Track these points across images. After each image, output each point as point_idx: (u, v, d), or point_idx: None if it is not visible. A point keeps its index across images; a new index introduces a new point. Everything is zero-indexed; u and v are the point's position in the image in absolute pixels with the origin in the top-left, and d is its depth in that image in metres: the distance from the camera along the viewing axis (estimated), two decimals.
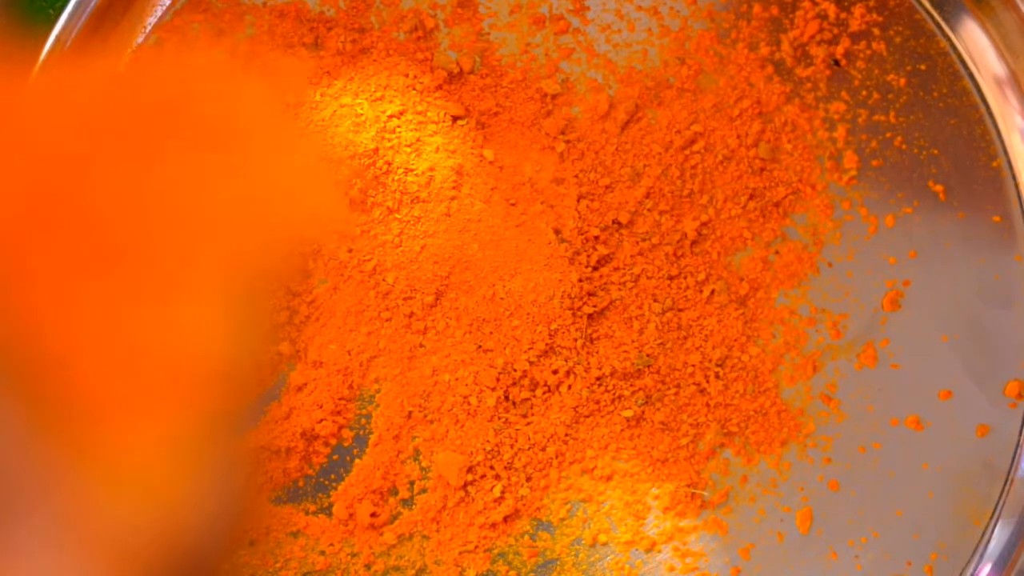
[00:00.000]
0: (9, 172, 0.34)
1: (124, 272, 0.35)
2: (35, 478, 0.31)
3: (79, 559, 0.32)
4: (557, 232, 0.55)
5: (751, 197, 0.55)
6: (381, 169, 0.54)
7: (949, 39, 0.56)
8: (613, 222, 0.55)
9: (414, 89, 0.55)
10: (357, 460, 0.55)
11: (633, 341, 0.55)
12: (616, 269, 0.55)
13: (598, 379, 0.54)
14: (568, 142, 0.56)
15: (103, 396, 0.33)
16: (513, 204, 0.55)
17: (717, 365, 0.55)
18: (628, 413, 0.54)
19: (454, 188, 0.55)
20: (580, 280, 0.54)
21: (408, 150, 0.55)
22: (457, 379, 0.54)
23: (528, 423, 0.54)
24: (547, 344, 0.54)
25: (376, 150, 0.54)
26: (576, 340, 0.54)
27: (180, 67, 0.52)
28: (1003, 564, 0.54)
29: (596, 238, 0.55)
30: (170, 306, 0.35)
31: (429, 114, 0.55)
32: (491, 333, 0.54)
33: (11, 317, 0.32)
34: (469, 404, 0.54)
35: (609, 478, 0.55)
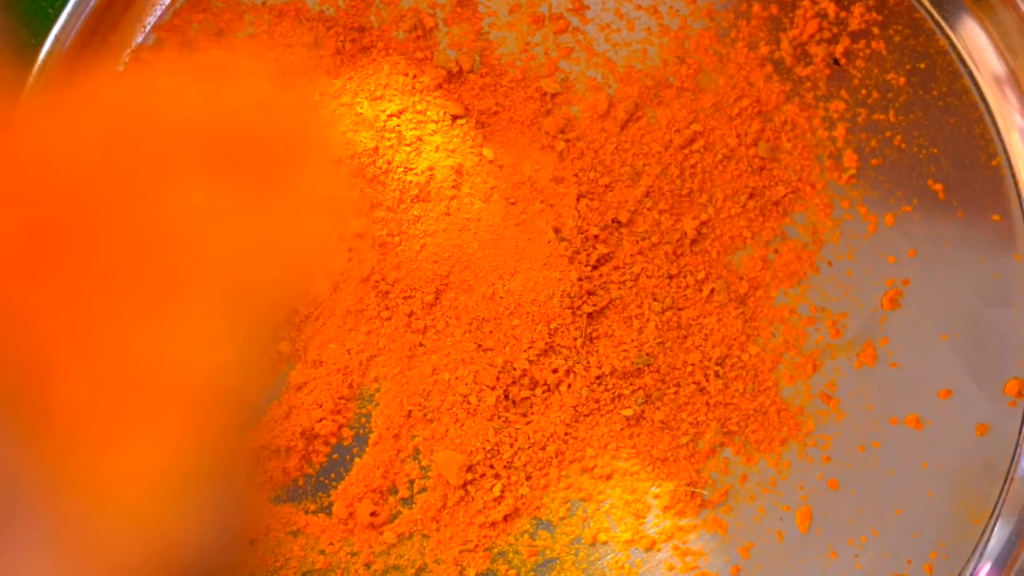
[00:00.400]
0: (8, 178, 0.34)
1: (125, 284, 0.34)
2: (31, 493, 0.31)
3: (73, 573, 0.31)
4: (557, 231, 0.55)
5: (751, 196, 0.56)
6: (381, 168, 0.54)
7: (948, 38, 0.56)
8: (613, 221, 0.55)
9: (413, 88, 0.55)
10: (357, 459, 0.55)
11: (633, 340, 0.55)
12: (616, 268, 0.55)
13: (598, 378, 0.54)
14: (568, 141, 0.56)
15: (101, 411, 0.33)
16: (513, 203, 0.55)
17: (717, 364, 0.55)
18: (628, 412, 0.54)
19: (454, 187, 0.55)
20: (580, 279, 0.54)
21: (408, 149, 0.55)
22: (457, 378, 0.54)
23: (528, 422, 0.54)
24: (547, 343, 0.54)
25: (376, 149, 0.54)
26: (576, 339, 0.54)
27: (182, 72, 0.51)
28: (1003, 563, 0.54)
29: (596, 237, 0.55)
30: (170, 322, 0.34)
31: (429, 113, 0.55)
32: (491, 332, 0.54)
33: (5, 327, 0.32)
34: (469, 403, 0.54)
35: (609, 477, 0.55)
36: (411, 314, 0.55)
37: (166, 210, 0.36)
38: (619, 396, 0.55)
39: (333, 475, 0.55)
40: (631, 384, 0.55)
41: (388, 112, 0.55)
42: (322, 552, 0.54)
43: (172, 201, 0.36)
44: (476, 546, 0.54)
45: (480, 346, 0.54)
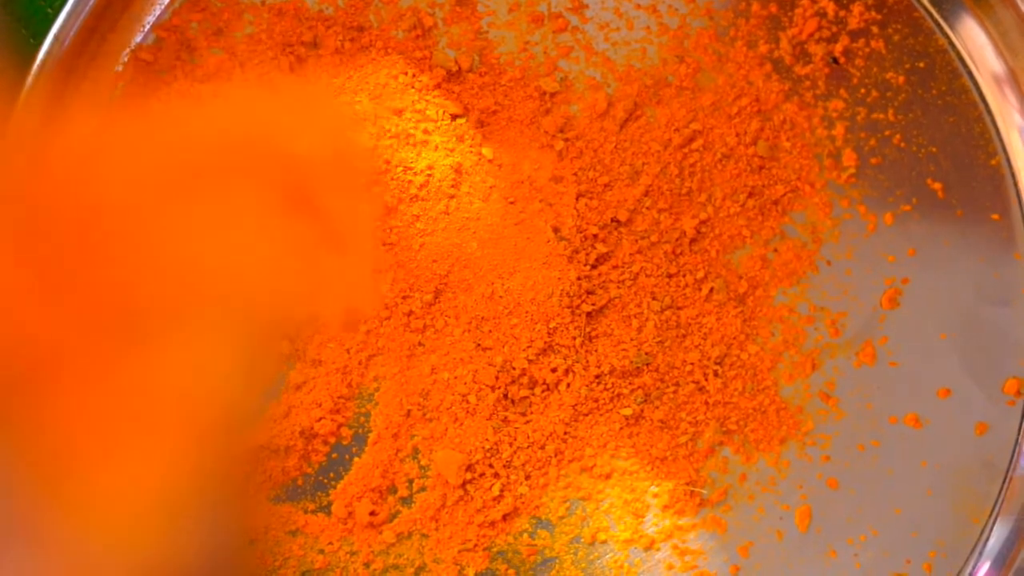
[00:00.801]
0: (7, 181, 0.34)
1: (123, 294, 0.34)
2: (26, 507, 0.31)
3: None
4: (556, 230, 0.55)
5: (750, 195, 0.55)
6: (380, 168, 0.54)
7: (948, 37, 0.56)
8: (612, 220, 0.55)
9: (413, 87, 0.55)
10: (356, 458, 0.55)
11: (632, 339, 0.55)
12: (615, 267, 0.55)
13: (597, 377, 0.54)
14: (567, 140, 0.56)
15: (98, 422, 0.32)
16: (512, 202, 0.55)
17: (716, 363, 0.55)
18: (627, 411, 0.54)
19: (453, 186, 0.55)
20: (579, 278, 0.54)
21: (407, 148, 0.55)
22: (456, 377, 0.54)
23: (527, 421, 0.54)
24: (546, 342, 0.54)
25: (375, 148, 0.54)
26: (575, 338, 0.54)
27: (191, 83, 0.51)
28: (1002, 562, 0.54)
29: (595, 236, 0.55)
30: (168, 334, 0.34)
31: (428, 112, 0.55)
32: (490, 331, 0.54)
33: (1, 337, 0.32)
34: (468, 402, 0.54)
35: (608, 476, 0.55)
36: (410, 313, 0.55)
37: (167, 222, 0.36)
38: (618, 395, 0.55)
39: (332, 474, 0.55)
40: (630, 383, 0.55)
41: (387, 111, 0.55)
42: (321, 551, 0.54)
43: (175, 214, 0.36)
44: (475, 545, 0.54)
45: (479, 345, 0.54)
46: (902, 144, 0.56)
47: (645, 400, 0.55)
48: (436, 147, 0.55)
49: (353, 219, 0.48)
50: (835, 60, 0.56)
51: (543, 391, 0.55)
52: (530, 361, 0.54)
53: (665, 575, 0.54)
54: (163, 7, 0.57)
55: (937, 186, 0.55)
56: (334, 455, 0.55)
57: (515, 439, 0.54)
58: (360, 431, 0.55)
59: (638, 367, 0.55)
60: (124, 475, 0.32)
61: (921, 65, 0.56)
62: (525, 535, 0.54)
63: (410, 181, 0.54)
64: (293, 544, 0.54)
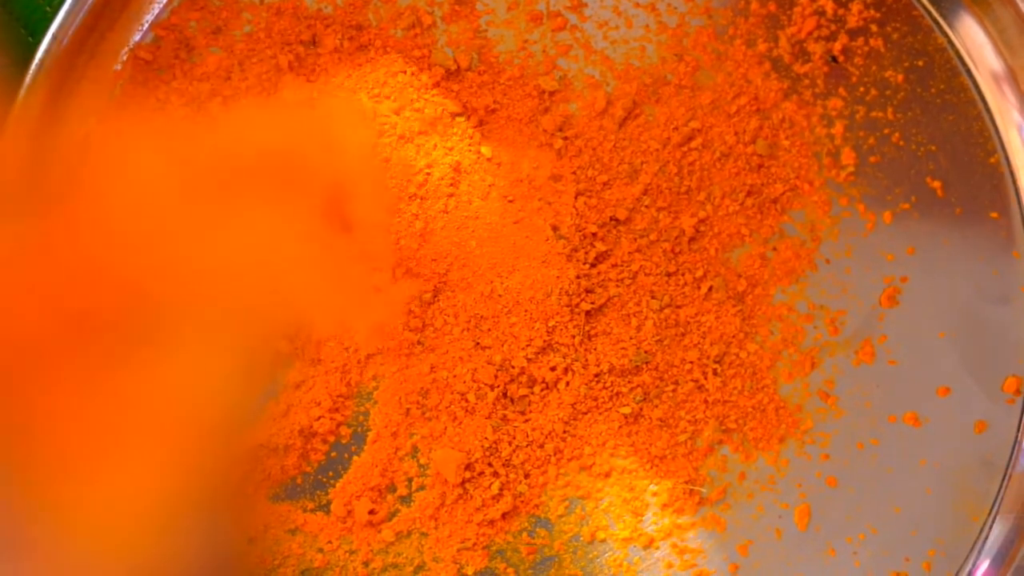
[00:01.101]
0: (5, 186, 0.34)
1: (124, 303, 0.34)
2: (22, 520, 0.31)
3: None
4: (555, 229, 0.55)
5: (749, 194, 0.55)
6: (379, 167, 0.54)
7: (947, 35, 0.56)
8: (611, 219, 0.55)
9: (411, 86, 0.55)
10: (355, 457, 0.55)
11: (631, 338, 0.55)
12: (614, 266, 0.55)
13: (596, 376, 0.54)
14: (566, 139, 0.56)
15: (93, 431, 0.32)
16: (511, 201, 0.55)
17: (715, 362, 0.55)
18: (626, 410, 0.54)
19: (452, 185, 0.55)
20: (578, 277, 0.54)
21: (406, 147, 0.55)
22: (455, 376, 0.54)
23: (526, 420, 0.54)
24: (545, 341, 0.54)
25: (374, 147, 0.54)
26: (574, 337, 0.54)
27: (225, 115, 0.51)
28: (1001, 560, 0.54)
29: (594, 235, 0.55)
30: (167, 346, 0.34)
31: (427, 111, 0.55)
32: (489, 330, 0.54)
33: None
34: (467, 401, 0.54)
35: (607, 475, 0.55)
36: (409, 312, 0.54)
37: (167, 224, 0.36)
38: (617, 394, 0.55)
39: (331, 473, 0.55)
40: (629, 382, 0.55)
41: (386, 110, 0.55)
42: (320, 550, 0.54)
43: (174, 216, 0.36)
44: (474, 544, 0.54)
45: (478, 344, 0.54)
46: (901, 142, 0.56)
47: (644, 399, 0.55)
48: (435, 146, 0.55)
49: (382, 232, 0.48)
50: (834, 58, 0.56)
51: (542, 390, 0.55)
52: (529, 360, 0.54)
53: (664, 574, 0.54)
54: (162, 6, 0.57)
55: (936, 184, 0.55)
56: (333, 454, 0.55)
57: (514, 438, 0.54)
58: (359, 430, 0.55)
59: (637, 366, 0.55)
60: (124, 475, 0.32)
61: (920, 63, 0.56)
62: (524, 534, 0.54)
63: (409, 180, 0.54)
64: (292, 543, 0.54)
